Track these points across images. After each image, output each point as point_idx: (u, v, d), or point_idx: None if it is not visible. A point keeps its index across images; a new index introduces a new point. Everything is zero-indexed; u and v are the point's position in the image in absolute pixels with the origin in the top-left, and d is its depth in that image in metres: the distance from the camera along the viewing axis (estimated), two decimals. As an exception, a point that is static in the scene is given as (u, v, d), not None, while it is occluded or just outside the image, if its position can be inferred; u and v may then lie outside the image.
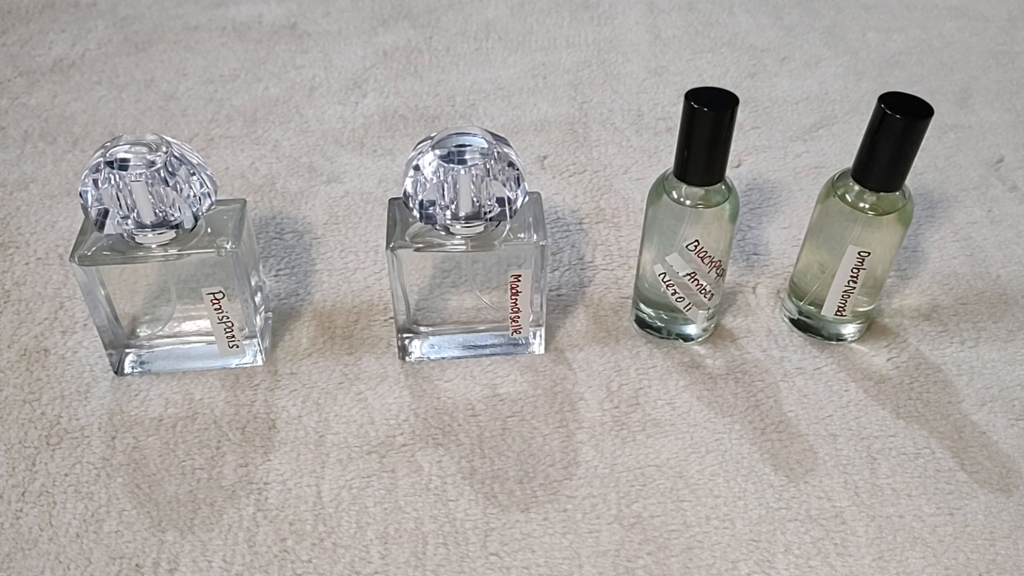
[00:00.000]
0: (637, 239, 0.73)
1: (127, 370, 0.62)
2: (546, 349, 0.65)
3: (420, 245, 0.57)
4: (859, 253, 0.58)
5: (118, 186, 0.52)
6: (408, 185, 0.55)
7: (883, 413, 0.60)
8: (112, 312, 0.59)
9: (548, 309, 0.67)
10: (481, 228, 0.56)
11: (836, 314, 0.62)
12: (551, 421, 0.60)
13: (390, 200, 0.60)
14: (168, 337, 0.62)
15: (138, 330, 0.62)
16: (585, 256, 0.72)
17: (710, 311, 0.63)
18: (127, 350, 0.62)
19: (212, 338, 0.61)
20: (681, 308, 0.62)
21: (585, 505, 0.55)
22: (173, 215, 0.54)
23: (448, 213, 0.55)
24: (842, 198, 0.57)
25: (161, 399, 0.61)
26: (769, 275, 0.71)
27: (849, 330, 0.64)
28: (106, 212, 0.53)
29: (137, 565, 0.52)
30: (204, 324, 0.61)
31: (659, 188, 0.58)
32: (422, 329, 0.63)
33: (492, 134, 0.55)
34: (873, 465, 0.57)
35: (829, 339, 0.65)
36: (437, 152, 0.53)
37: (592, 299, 0.69)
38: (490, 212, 0.55)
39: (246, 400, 0.61)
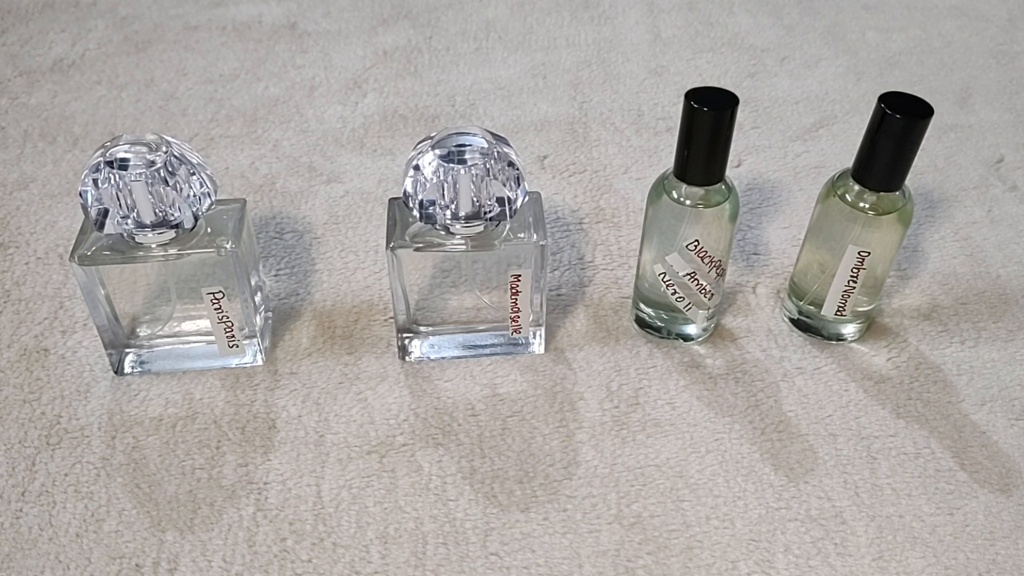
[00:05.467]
0: (637, 239, 0.73)
1: (127, 370, 0.62)
2: (546, 349, 0.65)
3: (420, 245, 0.57)
4: (859, 253, 0.58)
5: (118, 186, 0.52)
6: (408, 185, 0.55)
7: (883, 413, 0.60)
8: (112, 312, 0.59)
9: (548, 309, 0.67)
10: (481, 228, 0.56)
11: (836, 314, 0.62)
12: (551, 421, 0.60)
13: (390, 200, 0.60)
14: (168, 337, 0.62)
15: (138, 330, 0.62)
16: (585, 256, 0.72)
17: (710, 311, 0.63)
18: (127, 350, 0.62)
19: (212, 338, 0.61)
20: (681, 308, 0.62)
21: (585, 505, 0.55)
22: (173, 215, 0.54)
23: (448, 213, 0.55)
24: (842, 198, 0.57)
25: (161, 399, 0.61)
26: (769, 275, 0.71)
27: (849, 330, 0.64)
28: (106, 212, 0.53)
29: (137, 565, 0.52)
30: (204, 324, 0.61)
31: (659, 188, 0.58)
32: (422, 329, 0.63)
33: (492, 134, 0.55)
34: (873, 465, 0.57)
35: (829, 339, 0.65)
36: (437, 152, 0.53)
37: (592, 299, 0.69)
38: (490, 212, 0.55)
39: (246, 400, 0.61)
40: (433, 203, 0.54)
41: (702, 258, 0.58)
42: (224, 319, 0.59)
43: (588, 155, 0.83)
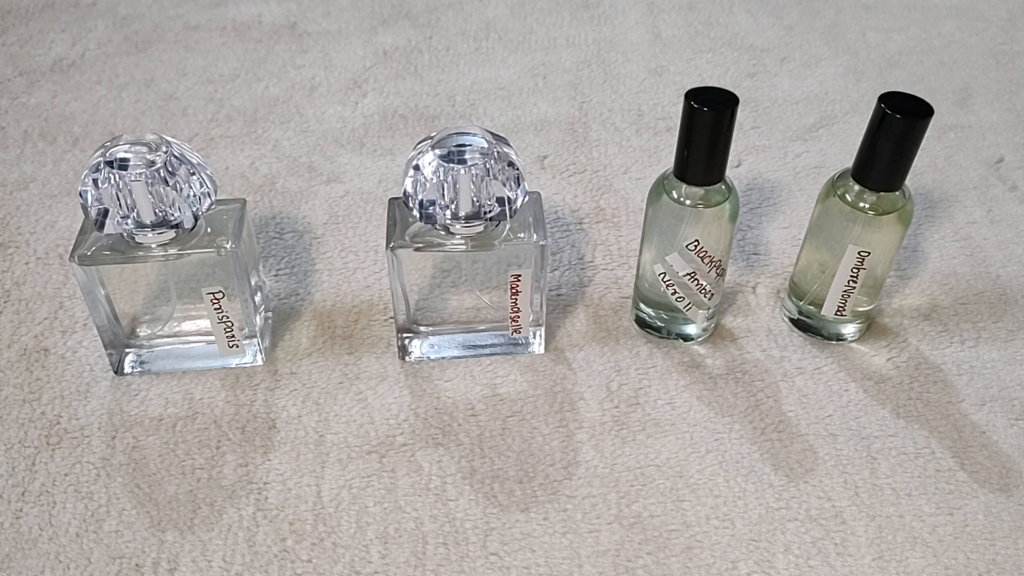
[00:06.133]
0: (637, 239, 0.73)
1: (127, 370, 0.62)
2: (546, 349, 0.65)
3: (420, 245, 0.57)
4: (859, 253, 0.58)
5: (118, 186, 0.52)
6: (408, 185, 0.55)
7: (883, 413, 0.60)
8: (112, 312, 0.59)
9: (548, 309, 0.67)
10: (481, 228, 0.56)
11: (836, 314, 0.62)
12: (551, 421, 0.60)
13: (390, 200, 0.60)
14: (168, 337, 0.62)
15: (138, 330, 0.62)
16: (585, 256, 0.72)
17: (710, 311, 0.63)
18: (127, 350, 0.62)
19: (212, 338, 0.61)
20: (681, 308, 0.62)
21: (585, 505, 0.55)
22: (173, 215, 0.54)
23: (448, 213, 0.55)
24: (842, 198, 0.57)
25: (161, 399, 0.61)
26: (769, 275, 0.71)
27: (849, 330, 0.64)
28: (106, 212, 0.53)
29: (137, 565, 0.52)
30: (204, 324, 0.61)
31: (659, 188, 0.58)
32: (422, 329, 0.63)
33: (492, 134, 0.55)
34: (873, 465, 0.57)
35: (829, 339, 0.65)
36: (437, 152, 0.53)
37: (592, 299, 0.69)
38: (490, 212, 0.55)
39: (246, 400, 0.61)
40: (433, 203, 0.54)
41: (702, 258, 0.58)
42: (224, 319, 0.59)
43: (588, 155, 0.83)
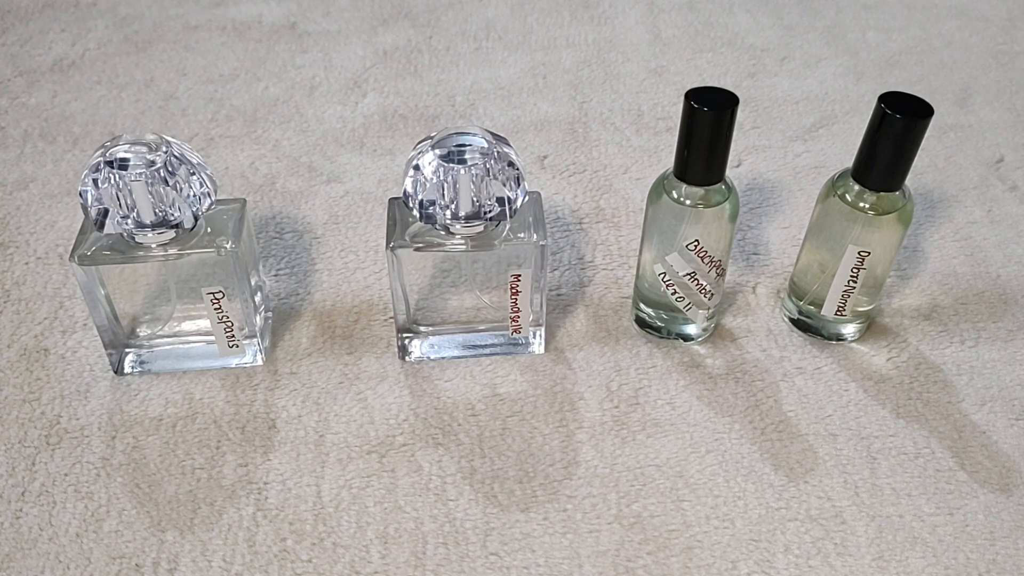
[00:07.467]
0: (637, 239, 0.73)
1: (127, 370, 0.62)
2: (546, 349, 0.65)
3: (420, 245, 0.57)
4: (859, 253, 0.58)
5: (118, 186, 0.52)
6: (408, 185, 0.55)
7: (883, 413, 0.60)
8: (112, 312, 0.59)
9: (548, 309, 0.67)
10: (481, 228, 0.56)
11: (836, 314, 0.62)
12: (551, 421, 0.60)
13: (390, 200, 0.60)
14: (168, 337, 0.62)
15: (138, 330, 0.62)
16: (585, 256, 0.72)
17: (710, 311, 0.63)
18: (127, 350, 0.62)
19: (212, 338, 0.61)
20: (681, 308, 0.62)
21: (585, 505, 0.55)
22: (173, 215, 0.54)
23: (448, 213, 0.55)
24: (842, 198, 0.57)
25: (161, 399, 0.61)
26: (769, 275, 0.71)
27: (849, 330, 0.64)
28: (106, 212, 0.53)
29: (137, 565, 0.52)
30: (204, 324, 0.61)
31: (659, 188, 0.58)
32: (422, 329, 0.63)
33: (492, 134, 0.55)
34: (873, 465, 0.57)
35: (829, 339, 0.65)
36: (437, 152, 0.53)
37: (592, 299, 0.69)
38: (490, 212, 0.55)
39: (246, 400, 0.61)
40: (433, 203, 0.54)
41: (702, 258, 0.58)
42: (224, 319, 0.59)
43: (588, 155, 0.83)
